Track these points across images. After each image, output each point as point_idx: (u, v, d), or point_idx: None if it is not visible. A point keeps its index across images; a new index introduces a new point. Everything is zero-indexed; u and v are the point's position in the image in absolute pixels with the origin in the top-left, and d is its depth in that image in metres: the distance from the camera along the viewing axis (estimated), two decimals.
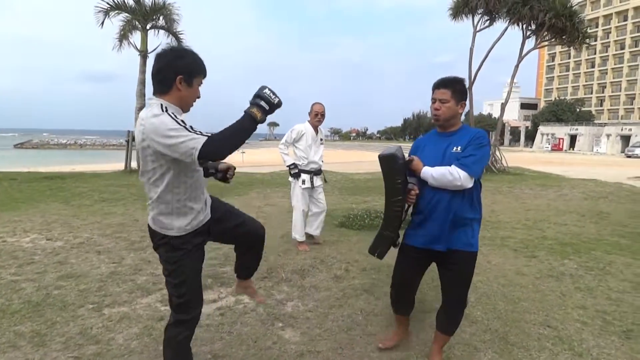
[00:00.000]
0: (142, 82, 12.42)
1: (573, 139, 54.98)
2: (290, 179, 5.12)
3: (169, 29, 12.85)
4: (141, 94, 12.46)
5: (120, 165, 13.59)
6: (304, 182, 4.99)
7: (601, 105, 79.87)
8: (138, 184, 10.33)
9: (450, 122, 2.45)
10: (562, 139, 55.71)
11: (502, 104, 15.98)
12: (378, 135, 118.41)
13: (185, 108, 2.02)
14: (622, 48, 76.67)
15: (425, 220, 2.44)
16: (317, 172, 5.12)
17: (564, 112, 61.06)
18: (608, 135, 50.25)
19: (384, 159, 2.41)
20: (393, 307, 2.80)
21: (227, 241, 2.47)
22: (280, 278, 3.99)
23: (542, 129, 60.41)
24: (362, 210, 7.08)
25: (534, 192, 10.93)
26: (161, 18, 12.78)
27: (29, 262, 4.32)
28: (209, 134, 1.79)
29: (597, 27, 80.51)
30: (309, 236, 5.21)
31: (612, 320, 3.34)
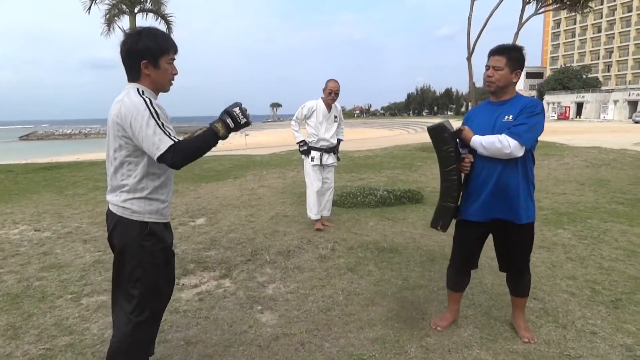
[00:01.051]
0: None
1: (579, 106, 54.06)
2: (302, 156, 5.01)
3: (157, 11, 12.59)
4: None
5: None
6: (313, 159, 4.88)
7: (608, 71, 78.27)
8: None
9: (503, 90, 2.40)
10: (568, 107, 54.82)
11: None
12: (382, 111, 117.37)
13: (160, 89, 1.99)
14: (630, 10, 74.58)
15: (479, 192, 2.43)
16: (329, 149, 4.97)
17: (570, 79, 59.93)
18: (615, 102, 49.32)
19: (433, 130, 2.46)
20: (450, 284, 2.78)
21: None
22: (264, 260, 3.93)
23: (547, 97, 59.42)
24: (356, 188, 6.97)
25: (536, 162, 10.73)
26: (148, 1, 12.51)
27: (14, 254, 4.30)
28: (176, 139, 1.79)
29: None
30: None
31: (601, 289, 3.25)
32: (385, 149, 15.75)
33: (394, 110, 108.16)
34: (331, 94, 4.81)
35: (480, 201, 2.42)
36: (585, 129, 31.02)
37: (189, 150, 1.82)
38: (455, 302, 2.79)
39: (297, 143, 4.98)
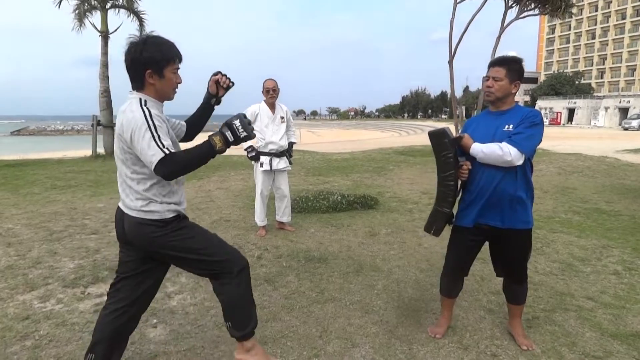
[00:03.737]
0: (105, 65, 12.00)
1: (571, 112, 54.19)
2: (252, 162, 4.83)
3: (130, 8, 12.37)
4: (104, 77, 12.06)
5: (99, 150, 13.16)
6: (262, 164, 4.70)
7: (602, 78, 78.59)
8: (98, 170, 10.10)
9: (503, 100, 2.43)
10: (560, 113, 54.93)
11: (483, 77, 15.45)
12: (377, 113, 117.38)
13: (165, 98, 2.01)
14: (624, 18, 74.93)
15: (478, 199, 2.44)
16: (279, 153, 4.78)
17: (563, 85, 60.05)
18: (606, 108, 49.42)
19: (434, 135, 2.47)
20: (444, 291, 2.76)
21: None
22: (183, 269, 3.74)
23: (540, 103, 59.54)
24: (315, 192, 6.82)
25: None
26: None
27: None
28: (169, 151, 1.80)
29: None
30: (280, 223, 4.97)
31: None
32: (365, 151, 15.61)
33: (389, 113, 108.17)
34: (269, 92, 4.64)
35: (479, 207, 2.44)
36: (574, 135, 31.01)
37: (180, 163, 1.84)
38: (448, 309, 2.77)
39: (245, 150, 4.77)
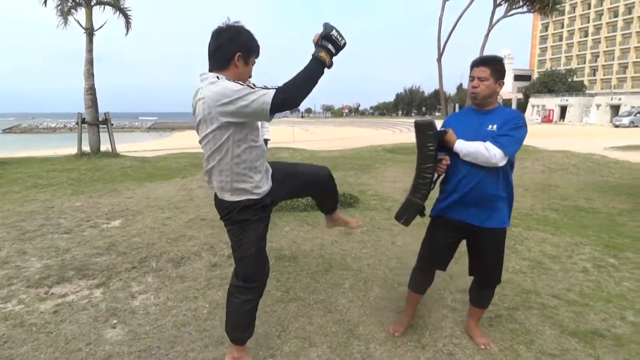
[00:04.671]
0: (90, 62, 11.88)
1: (563, 110, 54.40)
2: None
3: (116, 4, 12.26)
4: (89, 74, 11.94)
5: (103, 147, 13.01)
6: None
7: (594, 75, 78.98)
8: (82, 168, 10.02)
9: (488, 100, 2.42)
10: (552, 110, 55.14)
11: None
12: (371, 111, 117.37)
13: None
14: (616, 16, 75.26)
15: (454, 194, 2.44)
16: None
17: (555, 82, 60.24)
18: (598, 106, 49.69)
19: (419, 125, 2.43)
20: (412, 285, 2.75)
21: (295, 197, 2.66)
22: (151, 268, 3.72)
23: (532, 100, 59.72)
24: None
25: None
26: None
27: None
28: (275, 87, 1.81)
29: None
30: None
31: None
32: (354, 149, 15.60)
33: (383, 110, 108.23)
34: None
35: (458, 201, 2.44)
36: (565, 132, 31.17)
37: (297, 84, 1.82)
38: (412, 305, 2.77)
39: None
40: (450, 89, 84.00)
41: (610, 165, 10.85)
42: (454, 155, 2.41)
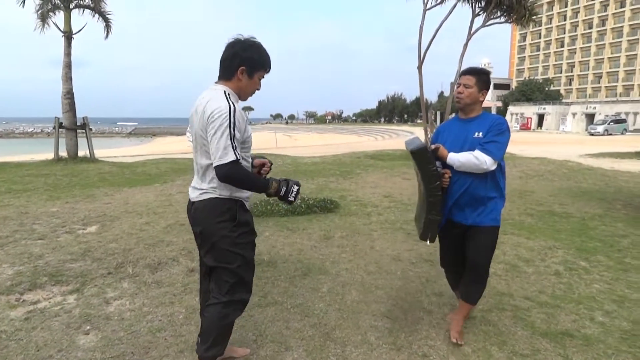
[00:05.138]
0: (68, 66, 11.68)
1: (541, 118, 55.61)
2: None
3: (95, 8, 12.11)
4: (67, 78, 11.72)
5: (81, 152, 12.72)
6: None
7: (570, 85, 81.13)
8: (59, 174, 9.83)
9: (471, 107, 2.63)
10: (530, 118, 56.32)
11: (451, 83, 15.77)
12: (354, 118, 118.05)
13: (242, 97, 2.15)
14: (590, 27, 77.63)
15: (453, 200, 2.63)
16: None
17: (533, 91, 61.59)
18: (574, 114, 50.92)
19: (416, 153, 2.55)
20: (450, 284, 3.05)
21: None
22: (127, 273, 3.67)
23: (511, 108, 60.91)
24: None
25: None
26: None
27: None
28: (237, 158, 1.95)
29: (565, 6, 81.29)
30: None
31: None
32: (336, 155, 15.66)
33: (365, 117, 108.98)
34: None
35: (454, 205, 2.63)
36: (543, 139, 31.85)
37: (240, 176, 2.00)
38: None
39: None
40: (431, 97, 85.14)
41: (584, 172, 11.14)
42: (448, 166, 2.60)
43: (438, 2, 15.56)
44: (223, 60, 2.09)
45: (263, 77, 2.17)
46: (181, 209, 6.19)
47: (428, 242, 2.72)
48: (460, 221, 2.65)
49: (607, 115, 43.79)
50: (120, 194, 7.45)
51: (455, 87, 2.68)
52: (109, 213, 5.92)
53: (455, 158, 2.54)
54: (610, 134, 37.66)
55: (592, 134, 38.43)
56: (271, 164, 2.38)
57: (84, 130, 12.50)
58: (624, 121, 41.59)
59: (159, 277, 3.62)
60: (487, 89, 2.66)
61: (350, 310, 3.10)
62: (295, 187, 2.15)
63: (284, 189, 2.11)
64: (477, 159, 2.47)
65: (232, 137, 1.94)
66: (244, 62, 2.05)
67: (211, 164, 2.01)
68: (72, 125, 12.12)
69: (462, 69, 2.75)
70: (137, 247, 4.34)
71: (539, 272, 3.87)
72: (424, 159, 2.53)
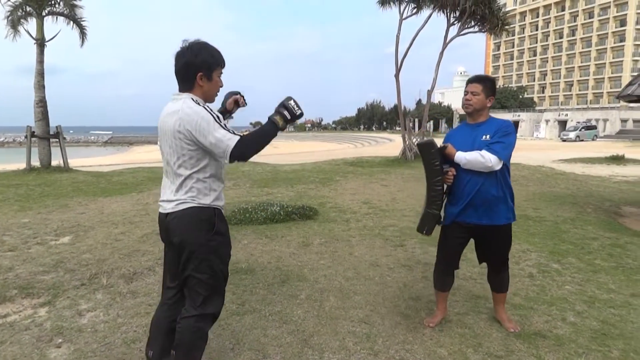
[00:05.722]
0: (41, 74, 11.40)
1: (516, 124, 56.94)
2: None
3: (69, 15, 11.89)
4: (39, 86, 11.42)
5: (55, 161, 12.35)
6: None
7: (543, 92, 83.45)
8: (31, 184, 9.58)
9: (479, 112, 2.77)
10: None
11: (428, 90, 16.07)
12: (333, 125, 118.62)
13: (209, 100, 2.12)
14: (561, 37, 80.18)
15: (462, 201, 2.73)
16: None
17: (508, 99, 63.16)
18: (547, 121, 52.34)
19: (423, 145, 2.72)
20: (437, 285, 3.04)
21: None
22: (101, 284, 3.59)
23: None
24: (255, 204, 6.76)
25: None
26: (61, 4, 11.78)
27: None
28: (240, 134, 1.96)
29: (537, 16, 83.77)
30: None
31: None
32: (316, 162, 15.70)
33: (345, 125, 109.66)
34: None
35: (466, 207, 2.72)
36: (517, 145, 31.69)
37: (253, 143, 1.98)
38: (442, 301, 3.04)
39: None
40: (409, 104, 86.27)
41: (557, 177, 11.45)
42: (456, 167, 2.73)
43: (414, 12, 15.90)
44: (178, 71, 2.06)
45: (221, 73, 2.14)
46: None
47: (424, 234, 2.87)
48: (474, 222, 2.74)
49: (578, 122, 45.11)
50: (95, 204, 7.30)
51: (463, 95, 2.80)
52: (83, 223, 5.79)
53: (462, 156, 2.66)
54: (582, 140, 38.84)
55: (564, 140, 39.52)
56: (242, 96, 2.39)
57: (57, 139, 12.21)
58: (594, 127, 42.98)
59: (134, 287, 3.55)
60: (494, 95, 2.80)
61: (328, 316, 3.10)
62: (290, 102, 2.06)
63: (286, 113, 2.04)
64: (482, 157, 2.59)
65: (223, 125, 1.95)
66: (199, 68, 2.02)
67: (190, 174, 2.02)
68: (45, 134, 11.83)
69: (468, 78, 2.86)
70: (112, 258, 4.26)
71: (514, 274, 3.94)
72: (429, 153, 2.67)
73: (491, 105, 2.79)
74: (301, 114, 2.08)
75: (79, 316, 3.06)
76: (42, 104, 11.63)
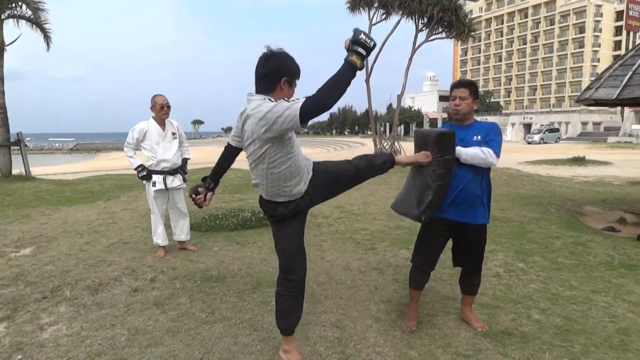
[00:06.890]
0: (1, 79, 10.97)
1: None
2: (144, 182, 4.62)
3: (32, 19, 11.48)
4: None
5: (16, 170, 11.83)
6: (154, 183, 4.52)
7: (509, 97, 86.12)
8: (20, 190, 9.20)
9: (467, 116, 2.82)
10: None
11: (398, 95, 16.30)
12: (306, 130, 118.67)
13: None
14: (524, 43, 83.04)
15: (451, 197, 2.73)
16: (173, 171, 4.62)
17: None
18: (513, 124, 53.95)
19: (447, 134, 2.63)
20: (412, 282, 3.05)
21: (334, 195, 2.74)
22: (64, 297, 3.47)
23: None
24: (226, 210, 6.69)
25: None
26: (24, 7, 11.36)
27: None
28: (304, 97, 1.96)
29: (502, 23, 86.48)
30: (180, 242, 4.81)
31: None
32: None
33: (318, 130, 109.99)
34: (163, 109, 4.51)
35: (451, 202, 2.75)
36: None
37: (327, 86, 1.92)
38: (416, 301, 3.07)
39: (135, 169, 4.58)
40: (380, 108, 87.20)
41: (522, 178, 11.81)
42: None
43: (383, 17, 16.13)
44: (265, 74, 2.14)
45: (296, 85, 2.26)
46: (125, 226, 5.95)
47: (422, 218, 2.75)
48: (454, 219, 2.78)
49: (542, 125, 46.74)
50: (59, 213, 7.05)
51: (450, 101, 2.83)
52: (46, 234, 5.58)
53: (463, 151, 2.69)
54: (546, 142, 40.21)
55: (529, 143, 40.82)
56: (207, 189, 2.52)
57: (18, 147, 11.74)
58: (557, 130, 44.58)
59: (99, 299, 3.45)
60: (478, 98, 2.87)
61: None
62: (361, 36, 1.93)
63: (361, 50, 1.94)
64: (483, 153, 2.66)
65: (292, 102, 2.02)
66: (285, 73, 2.14)
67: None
68: (5, 141, 11.34)
69: (452, 83, 2.86)
70: (76, 269, 4.11)
71: (482, 274, 4.03)
72: (450, 143, 2.63)
73: (476, 107, 2.87)
74: (374, 45, 1.97)
75: (40, 330, 2.95)
76: (2, 110, 11.16)
